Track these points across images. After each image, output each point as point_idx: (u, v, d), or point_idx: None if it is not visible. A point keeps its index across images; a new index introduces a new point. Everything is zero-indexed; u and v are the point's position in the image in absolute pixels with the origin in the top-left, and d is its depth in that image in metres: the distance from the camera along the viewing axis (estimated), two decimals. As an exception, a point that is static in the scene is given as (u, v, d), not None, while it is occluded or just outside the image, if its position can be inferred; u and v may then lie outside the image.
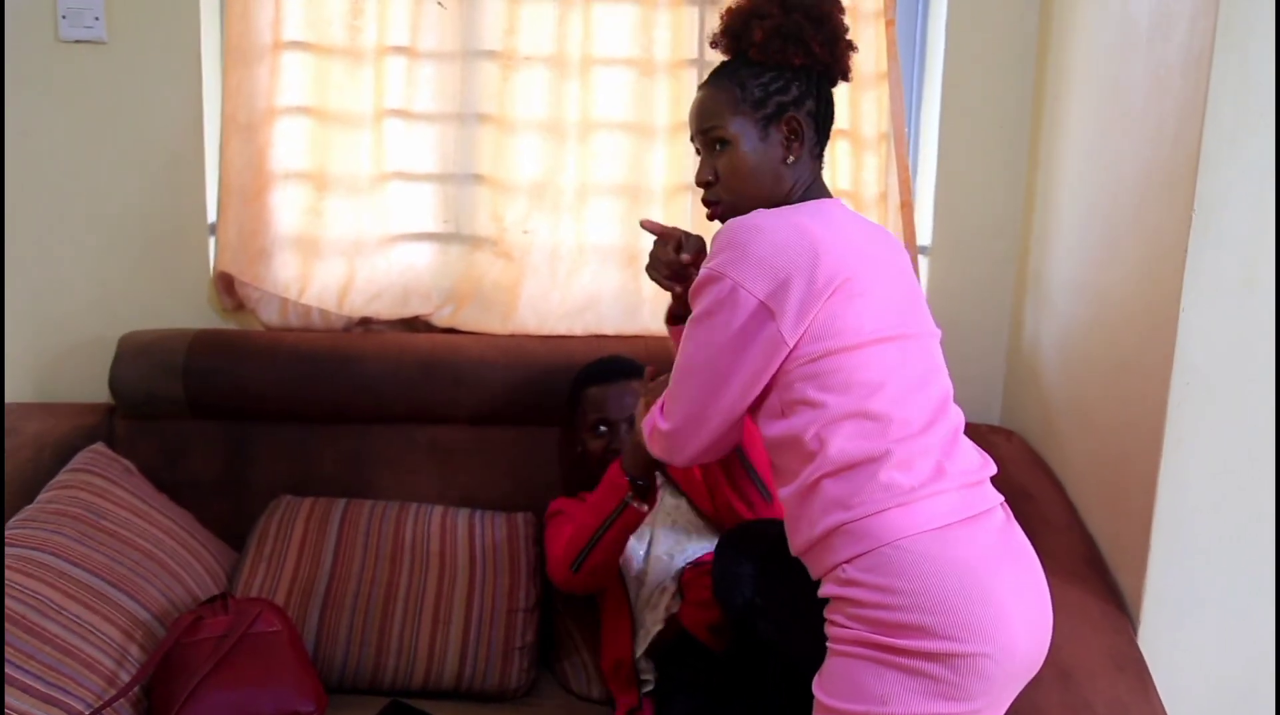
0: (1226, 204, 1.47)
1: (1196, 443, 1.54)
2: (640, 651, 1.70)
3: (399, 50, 2.07)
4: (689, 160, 2.10)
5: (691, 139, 1.44)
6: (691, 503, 1.82)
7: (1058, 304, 1.94)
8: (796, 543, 1.27)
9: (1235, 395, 1.52)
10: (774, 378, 1.27)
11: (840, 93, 2.02)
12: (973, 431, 1.37)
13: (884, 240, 1.39)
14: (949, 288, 2.16)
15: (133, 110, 2.08)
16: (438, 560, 1.82)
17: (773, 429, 1.29)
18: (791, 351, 1.24)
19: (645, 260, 2.13)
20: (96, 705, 1.44)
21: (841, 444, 1.21)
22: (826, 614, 1.22)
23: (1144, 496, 1.58)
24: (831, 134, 1.45)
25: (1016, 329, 2.16)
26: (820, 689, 1.20)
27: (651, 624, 1.71)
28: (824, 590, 1.23)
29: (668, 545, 1.77)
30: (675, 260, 1.50)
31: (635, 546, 1.78)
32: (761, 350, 1.25)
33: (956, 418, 1.31)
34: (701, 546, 1.76)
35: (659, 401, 1.40)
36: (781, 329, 1.23)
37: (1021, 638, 1.17)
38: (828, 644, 1.21)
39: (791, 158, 1.38)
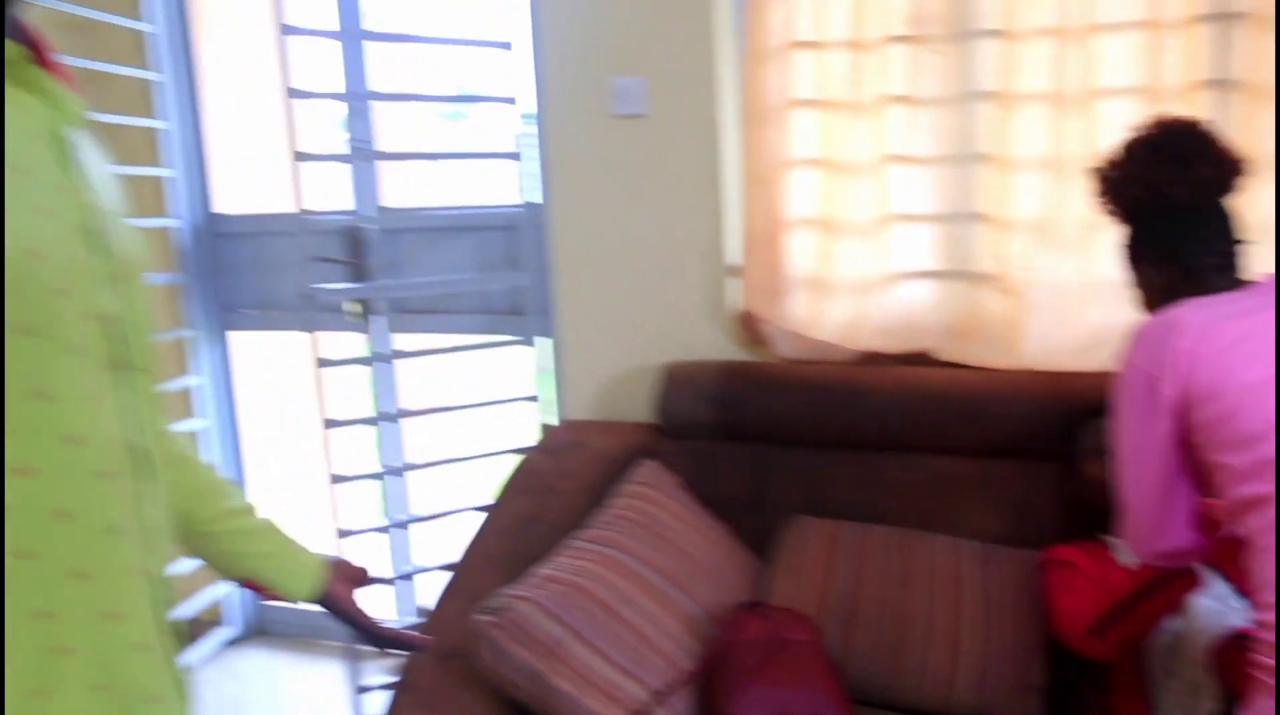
0: None
1: None
2: None
3: (898, 99, 2.20)
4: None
5: None
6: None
7: None
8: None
9: None
10: (1191, 452, 1.40)
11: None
12: None
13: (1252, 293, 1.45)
14: None
15: (668, 172, 2.39)
16: (952, 589, 1.89)
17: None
18: (1188, 417, 1.37)
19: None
20: (663, 685, 1.71)
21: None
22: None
23: None
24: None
25: None
26: None
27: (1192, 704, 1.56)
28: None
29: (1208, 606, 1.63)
30: None
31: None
32: (1154, 413, 1.40)
33: None
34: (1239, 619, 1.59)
35: None
36: (1161, 386, 1.38)
37: None
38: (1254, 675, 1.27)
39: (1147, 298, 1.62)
